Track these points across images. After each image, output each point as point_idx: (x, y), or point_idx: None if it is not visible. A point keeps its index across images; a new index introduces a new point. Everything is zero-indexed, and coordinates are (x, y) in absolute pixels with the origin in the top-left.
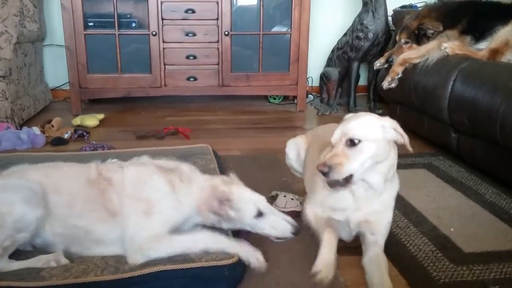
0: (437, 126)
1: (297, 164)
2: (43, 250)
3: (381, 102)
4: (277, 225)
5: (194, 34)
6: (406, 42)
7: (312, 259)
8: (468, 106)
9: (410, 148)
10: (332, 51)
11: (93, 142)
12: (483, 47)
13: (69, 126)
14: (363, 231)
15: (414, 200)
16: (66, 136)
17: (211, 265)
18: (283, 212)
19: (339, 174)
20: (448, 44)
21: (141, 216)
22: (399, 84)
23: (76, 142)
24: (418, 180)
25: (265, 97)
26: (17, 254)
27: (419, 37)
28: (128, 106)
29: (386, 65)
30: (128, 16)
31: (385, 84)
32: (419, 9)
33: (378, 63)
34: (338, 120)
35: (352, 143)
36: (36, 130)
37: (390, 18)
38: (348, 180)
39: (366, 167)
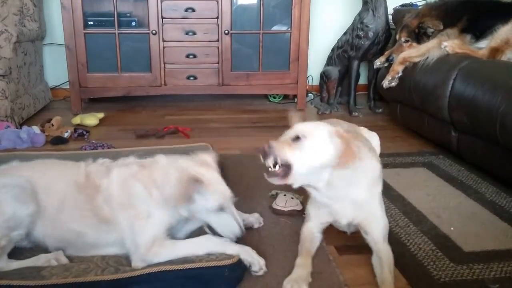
0: (437, 125)
1: None
2: (42, 249)
3: (381, 101)
4: (227, 225)
5: (194, 33)
6: (406, 41)
7: (312, 259)
8: (468, 105)
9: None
10: (332, 50)
11: (93, 141)
12: (483, 45)
13: (69, 125)
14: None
15: (414, 199)
16: (66, 135)
17: (211, 266)
18: (283, 211)
19: (280, 154)
20: (448, 43)
21: (135, 223)
22: (399, 83)
23: (76, 141)
24: (418, 179)
25: (265, 96)
26: (18, 253)
27: (419, 35)
28: (128, 105)
29: (386, 64)
30: (128, 15)
31: (385, 83)
32: (419, 7)
33: (378, 62)
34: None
35: (297, 138)
36: (36, 129)
37: (390, 17)
38: (286, 173)
39: (310, 166)
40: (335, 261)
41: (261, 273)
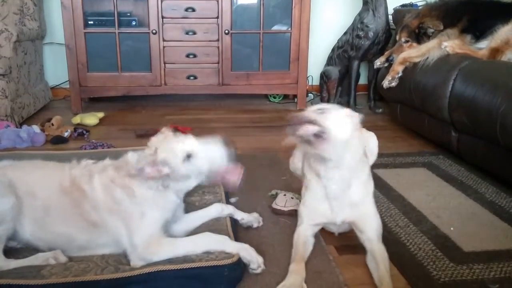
0: (437, 125)
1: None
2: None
3: (381, 101)
4: (211, 156)
5: (194, 33)
6: (407, 41)
7: (311, 258)
8: (468, 105)
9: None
10: (333, 50)
11: (93, 140)
12: (484, 46)
13: (69, 125)
14: (354, 230)
15: (414, 199)
16: (66, 134)
17: (211, 265)
18: (283, 211)
19: (315, 118)
20: (448, 43)
21: (130, 223)
22: (399, 83)
23: (76, 141)
24: (418, 179)
25: (265, 96)
26: (16, 253)
27: (419, 36)
28: (128, 105)
29: (386, 64)
30: (128, 14)
31: (385, 83)
32: (420, 7)
33: (378, 62)
34: None
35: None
36: (36, 128)
37: (390, 17)
38: (317, 137)
39: (341, 138)
40: (335, 261)
41: (259, 271)
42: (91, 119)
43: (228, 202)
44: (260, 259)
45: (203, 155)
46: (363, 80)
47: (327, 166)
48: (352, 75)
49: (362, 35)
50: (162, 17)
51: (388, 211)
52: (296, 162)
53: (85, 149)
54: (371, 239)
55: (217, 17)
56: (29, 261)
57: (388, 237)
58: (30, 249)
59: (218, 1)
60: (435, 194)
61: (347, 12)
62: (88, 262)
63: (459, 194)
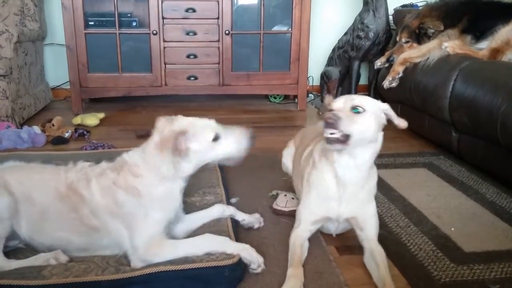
0: (438, 126)
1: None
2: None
3: (382, 101)
4: (235, 141)
5: (195, 33)
6: (407, 41)
7: (312, 258)
8: (469, 106)
9: (401, 124)
10: (333, 50)
11: (94, 141)
12: (484, 46)
13: (70, 125)
14: (354, 228)
15: (415, 200)
16: (66, 135)
17: (211, 266)
18: (283, 211)
19: (345, 126)
20: (449, 43)
21: (133, 225)
22: (399, 84)
23: (77, 141)
24: (418, 180)
25: (266, 96)
26: (19, 253)
27: (419, 36)
28: (128, 105)
29: (386, 65)
30: (128, 15)
31: (385, 84)
32: (420, 8)
33: (378, 63)
34: None
35: (355, 110)
36: (36, 129)
37: (391, 17)
38: (344, 141)
39: (364, 137)
40: (336, 261)
41: (259, 271)
42: (91, 119)
43: (228, 203)
44: (260, 259)
45: (228, 140)
46: (363, 81)
47: (341, 154)
48: (353, 76)
49: (363, 36)
50: (163, 18)
51: (388, 212)
52: (285, 163)
53: (85, 149)
54: (370, 238)
55: (218, 18)
56: (30, 262)
57: (389, 238)
58: (31, 249)
59: (218, 2)
60: (435, 195)
61: (347, 12)
62: (88, 263)
63: (459, 194)
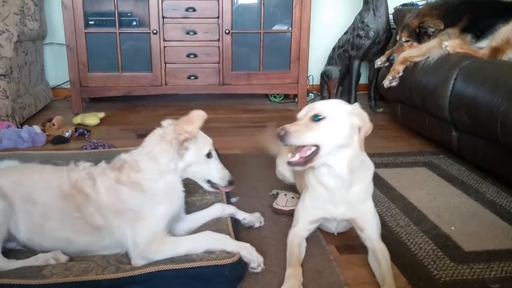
0: (438, 125)
1: (289, 173)
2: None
3: (382, 100)
4: (219, 170)
5: (195, 33)
6: (407, 41)
7: (312, 258)
8: (469, 105)
9: (366, 127)
10: (333, 50)
11: (94, 140)
12: (484, 45)
13: (70, 125)
14: (354, 229)
15: (415, 199)
16: (67, 134)
17: (211, 265)
18: (283, 211)
19: (297, 139)
20: (449, 43)
21: (136, 223)
22: (400, 83)
23: (77, 141)
24: (418, 179)
25: (266, 96)
26: (19, 254)
27: (420, 35)
28: (128, 105)
29: (387, 64)
30: (128, 14)
31: (386, 83)
32: (420, 7)
33: (379, 62)
34: None
35: (316, 118)
36: (37, 128)
37: (391, 16)
38: (309, 158)
39: (328, 144)
40: (336, 260)
41: (259, 270)
42: (92, 119)
43: (229, 202)
44: (260, 258)
45: (216, 165)
46: (363, 80)
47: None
48: (353, 75)
49: (363, 35)
50: (163, 17)
51: (388, 211)
52: (281, 171)
53: (86, 149)
54: (371, 237)
55: (218, 17)
56: (30, 262)
57: (389, 237)
58: (31, 250)
59: (218, 1)
60: (435, 194)
61: (347, 11)
62: (89, 262)
63: (459, 193)
